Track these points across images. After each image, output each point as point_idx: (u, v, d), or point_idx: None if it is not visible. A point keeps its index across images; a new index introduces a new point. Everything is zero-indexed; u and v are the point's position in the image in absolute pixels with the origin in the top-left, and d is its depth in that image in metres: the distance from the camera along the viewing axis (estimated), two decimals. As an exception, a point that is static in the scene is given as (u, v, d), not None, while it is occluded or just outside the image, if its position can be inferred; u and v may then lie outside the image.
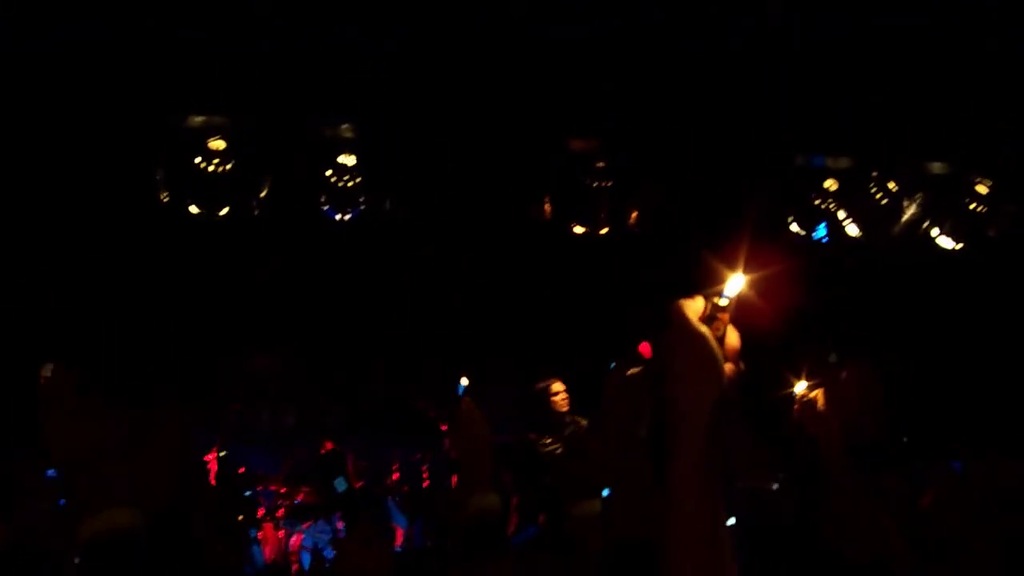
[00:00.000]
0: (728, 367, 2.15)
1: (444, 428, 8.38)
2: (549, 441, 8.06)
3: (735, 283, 2.14)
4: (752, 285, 2.18)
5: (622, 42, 8.26)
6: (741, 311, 2.19)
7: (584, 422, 8.42)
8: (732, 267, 2.15)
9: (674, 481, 2.14)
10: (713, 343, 2.11)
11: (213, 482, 9.79)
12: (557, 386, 8.64)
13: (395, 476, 10.80)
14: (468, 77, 8.41)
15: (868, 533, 4.09)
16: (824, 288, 9.43)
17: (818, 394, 4.24)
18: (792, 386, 4.40)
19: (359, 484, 10.70)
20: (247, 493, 10.28)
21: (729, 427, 2.17)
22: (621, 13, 8.07)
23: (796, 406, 4.31)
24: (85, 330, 9.00)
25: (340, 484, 9.00)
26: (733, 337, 2.18)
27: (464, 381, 4.25)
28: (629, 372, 4.20)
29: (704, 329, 2.11)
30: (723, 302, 2.13)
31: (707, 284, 2.17)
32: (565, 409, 8.57)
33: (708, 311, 2.14)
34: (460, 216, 9.18)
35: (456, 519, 4.74)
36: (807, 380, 4.36)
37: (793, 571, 4.87)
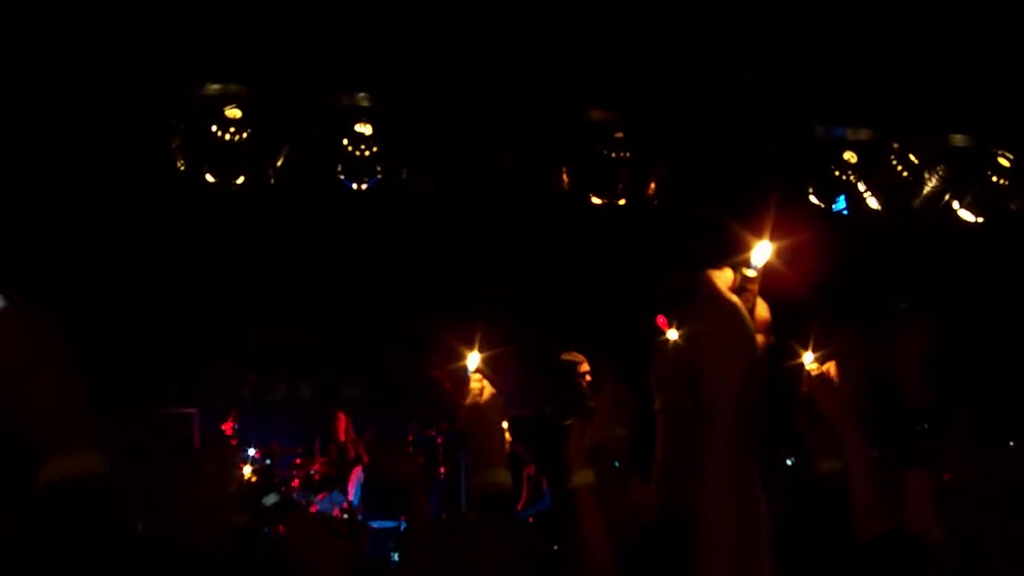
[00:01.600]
0: (759, 338, 2.11)
1: (460, 401, 8.35)
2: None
3: (762, 253, 2.10)
4: (779, 254, 2.13)
5: (640, 12, 8.21)
6: (769, 280, 2.15)
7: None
8: (758, 236, 2.11)
9: (708, 454, 2.10)
10: (745, 313, 2.07)
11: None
12: (585, 364, 8.61)
13: (409, 449, 10.83)
14: (486, 47, 8.36)
15: (884, 511, 4.04)
16: (843, 260, 9.38)
17: (830, 366, 4.17)
18: (799, 357, 4.33)
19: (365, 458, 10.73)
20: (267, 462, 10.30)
21: (760, 399, 2.13)
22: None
23: (805, 380, 4.25)
24: (100, 299, 8.99)
25: (270, 499, 8.94)
26: (763, 308, 2.14)
27: (475, 357, 4.18)
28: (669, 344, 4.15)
29: (735, 299, 2.08)
30: (751, 273, 2.09)
31: (734, 254, 2.12)
32: (587, 387, 8.55)
33: (737, 282, 2.10)
34: (477, 186, 9.14)
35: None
36: (813, 352, 4.29)
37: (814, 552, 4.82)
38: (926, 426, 3.89)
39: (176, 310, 10.11)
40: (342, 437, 11.04)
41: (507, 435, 6.23)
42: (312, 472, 10.63)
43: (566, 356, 8.67)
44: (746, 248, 2.12)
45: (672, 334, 4.11)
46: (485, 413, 4.08)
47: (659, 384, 3.99)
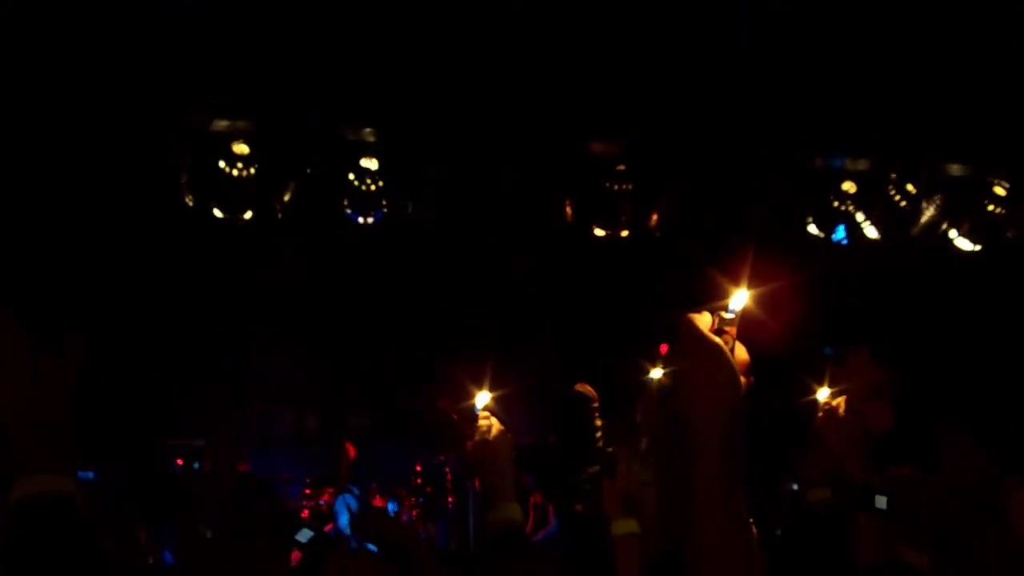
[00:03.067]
0: (742, 380, 2.20)
1: (467, 430, 8.43)
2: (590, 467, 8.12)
3: (739, 297, 2.20)
4: (756, 299, 2.23)
5: (641, 45, 8.31)
6: (749, 325, 2.25)
7: (602, 425, 8.47)
8: (736, 281, 2.21)
9: (698, 495, 2.19)
10: (727, 353, 2.17)
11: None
12: (587, 388, 8.69)
13: (418, 480, 10.91)
14: (489, 81, 8.46)
15: (884, 539, 4.13)
16: (843, 290, 9.48)
17: (840, 402, 4.25)
18: (815, 393, 4.41)
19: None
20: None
21: (744, 437, 2.22)
22: (640, 17, 8.13)
23: (819, 414, 4.32)
24: (110, 331, 9.10)
25: (304, 535, 9.02)
26: (741, 351, 2.23)
27: (484, 395, 4.27)
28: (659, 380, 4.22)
29: (718, 339, 2.17)
30: (729, 315, 2.18)
31: (712, 298, 2.22)
32: (595, 417, 8.62)
33: (716, 324, 2.20)
34: (482, 219, 9.24)
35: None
36: (830, 387, 4.37)
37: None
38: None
39: (185, 342, 10.21)
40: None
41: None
42: (321, 503, 10.72)
43: (579, 388, 8.76)
44: (724, 292, 2.22)
45: (656, 372, 4.18)
46: (494, 451, 4.16)
47: (645, 423, 4.07)
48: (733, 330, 2.20)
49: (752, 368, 2.27)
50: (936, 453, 3.95)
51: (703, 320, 2.19)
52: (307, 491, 10.77)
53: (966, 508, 3.80)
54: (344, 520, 10.83)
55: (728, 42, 8.31)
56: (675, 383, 2.21)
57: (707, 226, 9.25)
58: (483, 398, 4.30)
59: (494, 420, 4.23)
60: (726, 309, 2.20)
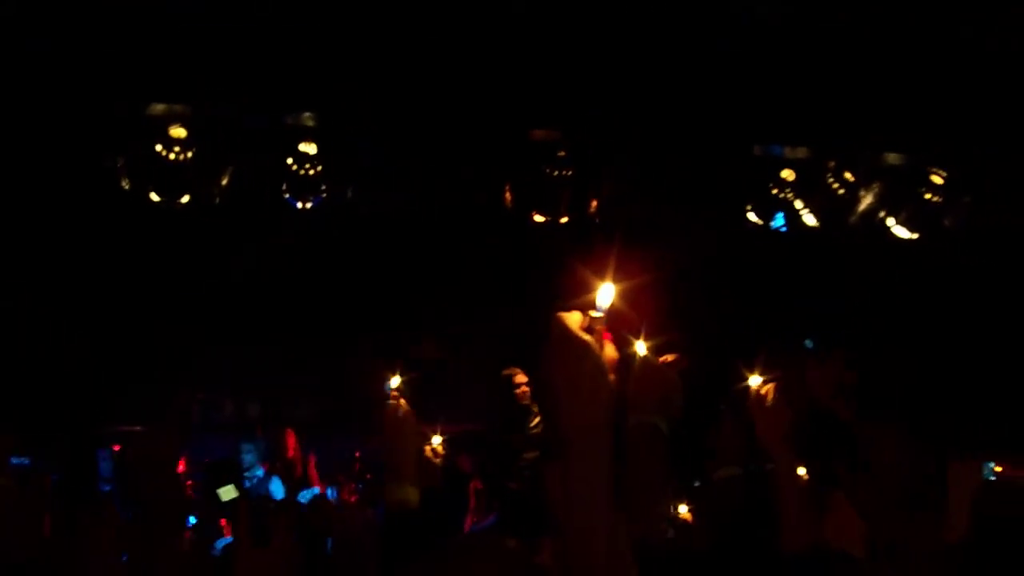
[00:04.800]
0: (610, 377, 2.20)
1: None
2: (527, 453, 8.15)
3: (606, 295, 2.18)
4: (623, 295, 2.22)
5: (580, 31, 8.29)
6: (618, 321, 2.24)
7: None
8: (602, 277, 2.20)
9: (570, 491, 2.18)
10: (596, 351, 2.16)
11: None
12: (521, 376, 8.71)
13: (357, 466, 10.91)
14: (429, 66, 8.43)
15: (808, 526, 4.14)
16: (783, 278, 9.52)
17: (769, 389, 4.28)
18: (747, 379, 4.44)
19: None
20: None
21: (617, 436, 2.21)
22: (581, 4, 8.12)
23: (751, 399, 4.35)
24: (47, 319, 9.03)
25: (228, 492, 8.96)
26: (610, 349, 2.22)
27: (395, 379, 4.29)
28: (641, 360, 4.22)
29: (588, 337, 2.16)
30: (597, 315, 2.17)
31: (580, 295, 2.21)
32: (527, 401, 8.66)
33: (585, 323, 2.18)
34: (421, 205, 9.21)
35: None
36: (760, 375, 4.40)
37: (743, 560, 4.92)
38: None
39: (124, 329, 10.14)
40: (291, 454, 11.11)
41: (440, 450, 6.32)
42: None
43: (506, 371, 8.79)
44: (591, 288, 2.20)
45: (641, 348, 4.19)
46: (400, 431, 4.18)
47: (634, 400, 4.06)
48: (602, 328, 2.19)
49: (620, 367, 2.26)
50: (864, 449, 3.96)
51: (573, 319, 2.18)
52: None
53: (899, 502, 3.82)
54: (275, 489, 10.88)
55: (669, 31, 8.31)
56: (544, 381, 2.21)
57: (642, 214, 9.26)
58: (394, 381, 4.32)
59: (402, 402, 4.24)
60: (594, 307, 2.19)
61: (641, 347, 4.18)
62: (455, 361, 10.03)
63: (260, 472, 11.07)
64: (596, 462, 2.19)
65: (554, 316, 2.20)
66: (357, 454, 10.60)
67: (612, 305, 2.21)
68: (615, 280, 2.22)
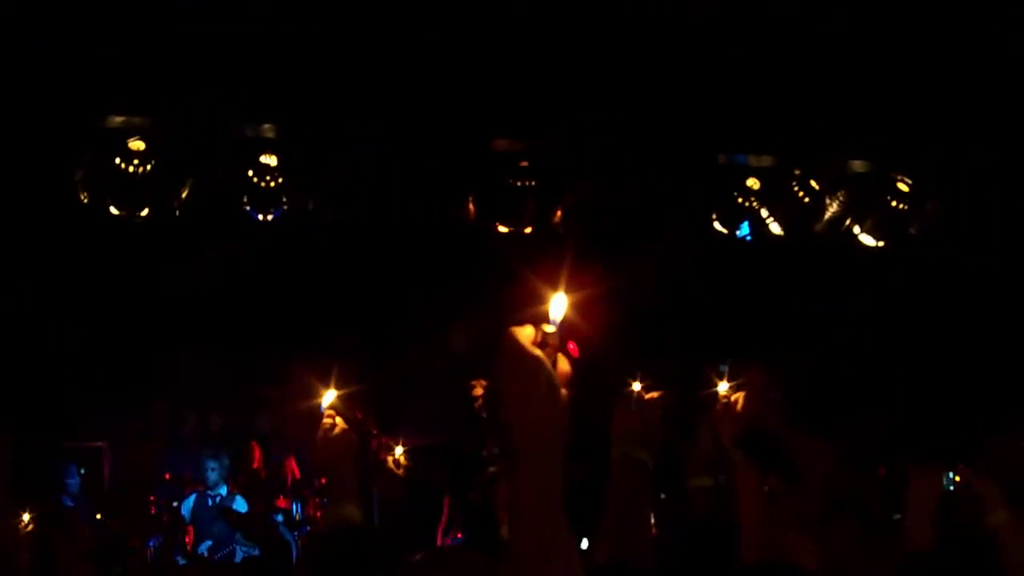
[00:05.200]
0: (563, 392, 2.16)
1: (373, 431, 8.41)
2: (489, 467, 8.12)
3: (558, 307, 2.14)
4: (576, 307, 2.18)
5: (544, 43, 8.27)
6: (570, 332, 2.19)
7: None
8: (553, 288, 2.15)
9: (519, 503, 2.15)
10: (549, 367, 2.11)
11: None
12: (479, 389, 8.67)
13: (323, 480, 10.84)
14: (390, 77, 8.39)
15: (765, 537, 4.10)
16: (746, 286, 9.50)
17: (738, 397, 4.24)
18: (715, 386, 4.40)
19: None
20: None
21: (568, 449, 2.18)
22: (543, 14, 8.10)
23: (717, 407, 4.31)
24: (4, 332, 8.95)
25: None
26: (563, 363, 2.18)
27: (330, 394, 4.23)
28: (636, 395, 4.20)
29: (539, 352, 2.12)
30: (550, 328, 2.13)
31: (531, 307, 2.16)
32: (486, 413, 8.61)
33: (539, 338, 2.14)
34: (383, 216, 9.16)
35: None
36: (729, 381, 4.36)
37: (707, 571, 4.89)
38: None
39: (84, 342, 10.04)
40: (255, 465, 11.06)
41: (403, 460, 6.27)
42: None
43: (469, 383, 8.75)
44: (542, 300, 2.16)
45: (636, 386, 4.17)
46: (336, 450, 4.13)
47: (619, 434, 4.03)
48: (555, 341, 2.14)
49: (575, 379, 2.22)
50: (795, 461, 3.93)
51: (525, 333, 2.14)
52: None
53: (833, 513, 3.79)
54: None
55: (634, 41, 8.30)
56: (496, 396, 2.16)
57: (605, 225, 9.24)
58: (328, 396, 4.26)
59: (338, 419, 4.19)
60: (547, 320, 2.14)
61: (636, 386, 4.17)
62: (418, 371, 9.98)
63: (223, 490, 11.02)
64: (546, 478, 2.15)
65: (505, 330, 2.14)
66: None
67: (565, 317, 2.16)
68: (568, 291, 2.17)
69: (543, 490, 2.14)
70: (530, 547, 2.14)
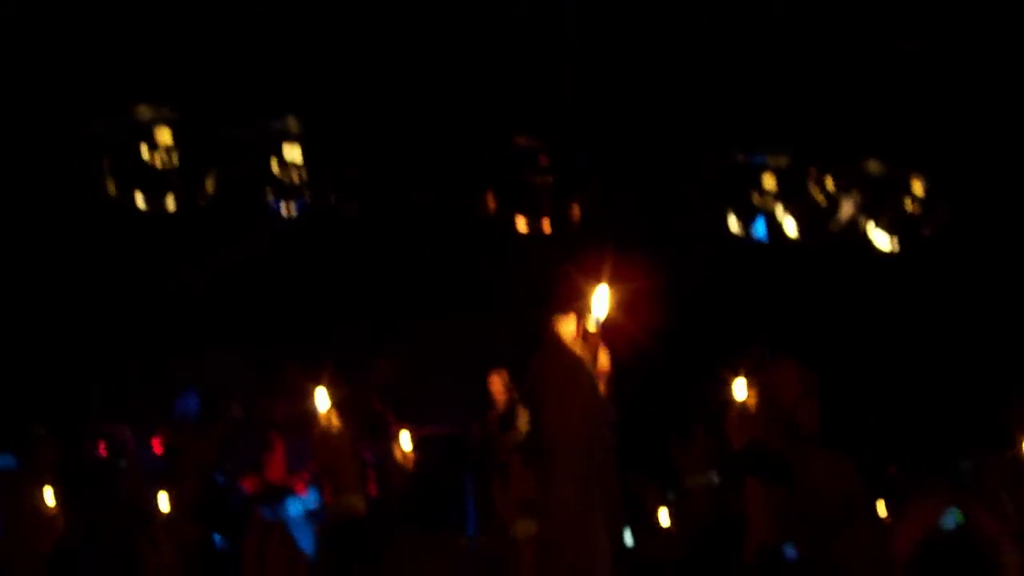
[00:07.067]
0: (600, 387, 2.25)
1: (392, 422, 8.51)
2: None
3: (601, 304, 2.23)
4: (619, 305, 2.27)
5: (563, 38, 8.34)
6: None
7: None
8: (598, 285, 2.24)
9: (551, 494, 2.25)
10: (586, 365, 2.21)
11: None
12: (500, 381, 8.76)
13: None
14: (413, 72, 8.46)
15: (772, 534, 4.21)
16: (762, 286, 9.56)
17: (753, 399, 4.32)
18: (731, 386, 4.48)
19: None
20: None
21: (605, 444, 2.28)
22: (563, 11, 8.17)
23: (732, 411, 4.39)
24: (32, 320, 9.04)
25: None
26: (604, 359, 2.28)
27: (324, 394, 4.35)
28: None
29: (579, 351, 2.21)
30: (592, 326, 2.22)
31: (575, 302, 2.26)
32: (503, 400, 8.71)
33: (580, 332, 2.24)
34: (404, 209, 9.24)
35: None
36: (746, 380, 4.44)
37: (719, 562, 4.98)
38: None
39: (100, 331, 10.12)
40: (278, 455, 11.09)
41: (410, 452, 6.42)
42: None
43: (488, 377, 8.84)
44: (587, 296, 2.25)
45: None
46: (335, 446, 4.26)
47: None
48: (597, 337, 2.24)
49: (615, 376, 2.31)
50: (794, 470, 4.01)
51: (568, 328, 2.24)
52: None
53: (824, 520, 3.89)
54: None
55: (650, 39, 8.36)
56: (534, 389, 2.27)
57: (623, 222, 9.30)
58: (322, 397, 4.39)
59: (334, 415, 4.32)
60: (590, 314, 2.24)
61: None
62: (429, 363, 10.05)
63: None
64: (579, 471, 2.26)
65: (550, 325, 2.25)
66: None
67: (608, 313, 2.26)
68: (612, 288, 2.28)
69: (571, 481, 2.24)
70: (562, 537, 2.25)
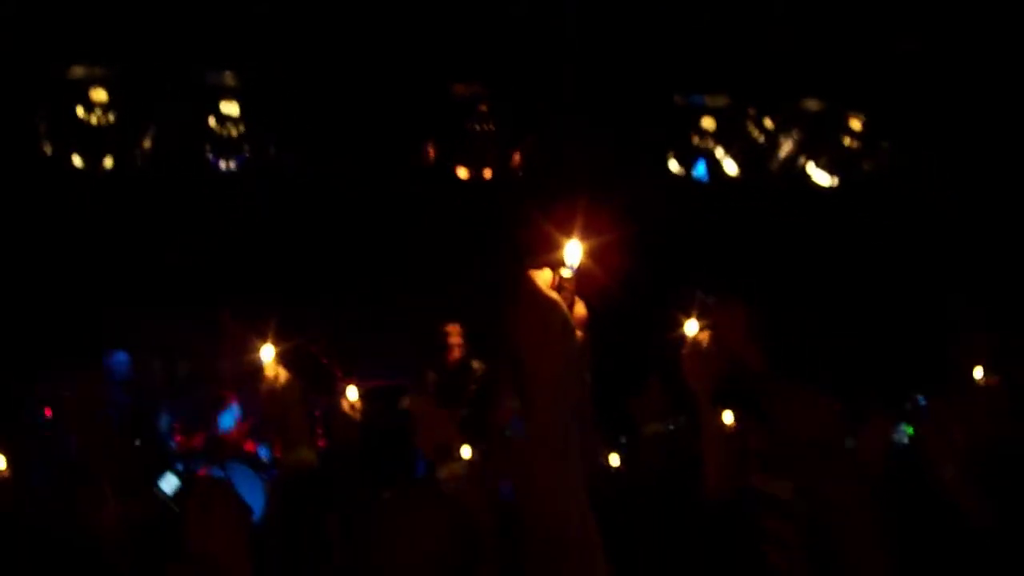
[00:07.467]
0: (578, 334, 2.25)
1: (338, 375, 8.50)
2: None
3: (574, 252, 2.24)
4: (590, 253, 2.27)
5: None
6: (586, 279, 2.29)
7: (479, 365, 8.59)
8: (568, 234, 2.25)
9: (531, 440, 2.25)
10: (565, 310, 2.21)
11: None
12: (453, 329, 8.77)
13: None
14: (351, 22, 8.40)
15: (732, 473, 4.23)
16: (704, 226, 9.60)
17: (704, 335, 4.32)
18: (682, 326, 4.47)
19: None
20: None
21: (583, 390, 2.28)
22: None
23: (685, 348, 4.39)
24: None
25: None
26: (580, 306, 2.28)
27: (270, 348, 4.32)
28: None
29: (556, 296, 2.22)
30: (567, 273, 2.22)
31: (547, 251, 2.26)
32: (459, 355, 8.73)
33: (555, 282, 2.24)
34: (344, 162, 9.19)
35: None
36: (697, 320, 4.44)
37: (671, 515, 5.01)
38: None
39: (48, 292, 10.04)
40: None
41: (358, 404, 6.42)
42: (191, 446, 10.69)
43: (443, 327, 8.85)
44: (557, 245, 2.25)
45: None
46: (282, 399, 4.25)
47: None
48: (572, 285, 2.24)
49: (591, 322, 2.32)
50: (768, 404, 4.04)
51: (543, 276, 2.24)
52: (178, 438, 10.67)
53: (801, 455, 3.91)
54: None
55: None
56: (513, 336, 2.26)
57: (564, 170, 9.30)
58: (268, 351, 4.36)
59: (280, 369, 4.29)
60: (563, 264, 2.24)
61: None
62: (378, 316, 10.02)
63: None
64: (561, 420, 2.25)
65: (524, 274, 2.25)
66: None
67: (581, 262, 2.26)
68: (583, 237, 2.28)
69: (550, 426, 2.24)
70: (538, 483, 2.25)
